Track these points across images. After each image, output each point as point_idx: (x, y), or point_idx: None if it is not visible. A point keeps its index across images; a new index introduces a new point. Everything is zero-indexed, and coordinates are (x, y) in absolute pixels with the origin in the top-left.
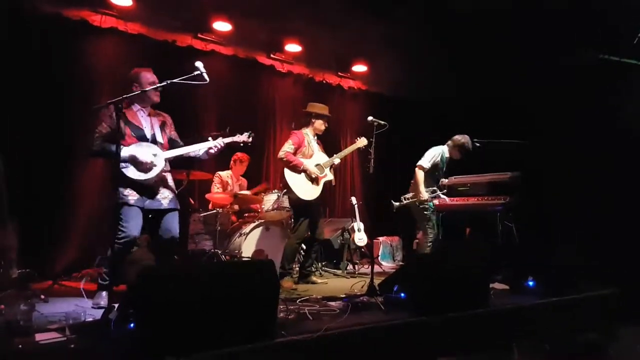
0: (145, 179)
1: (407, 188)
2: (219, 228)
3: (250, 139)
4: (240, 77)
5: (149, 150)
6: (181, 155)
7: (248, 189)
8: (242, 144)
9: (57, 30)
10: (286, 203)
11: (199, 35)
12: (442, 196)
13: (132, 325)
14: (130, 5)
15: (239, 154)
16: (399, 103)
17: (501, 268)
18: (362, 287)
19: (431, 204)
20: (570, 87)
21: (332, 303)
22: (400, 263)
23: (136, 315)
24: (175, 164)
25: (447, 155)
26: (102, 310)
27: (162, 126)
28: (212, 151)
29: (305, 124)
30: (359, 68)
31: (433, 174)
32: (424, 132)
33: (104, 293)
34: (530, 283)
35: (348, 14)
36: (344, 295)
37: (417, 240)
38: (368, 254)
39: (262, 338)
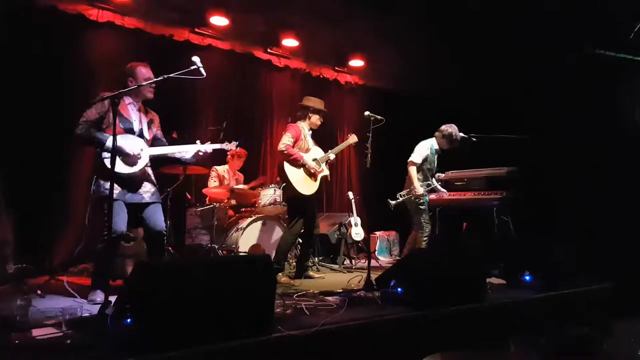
0: (128, 173)
1: (403, 184)
2: (215, 223)
3: (237, 149)
4: (237, 72)
5: (135, 143)
6: (165, 155)
7: (245, 183)
8: (228, 151)
9: (53, 23)
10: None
11: (196, 30)
12: (440, 188)
13: (128, 320)
14: None
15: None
16: (395, 98)
17: (498, 263)
18: (359, 282)
19: (426, 198)
20: (568, 83)
21: (329, 298)
22: (397, 258)
23: (132, 309)
24: (167, 160)
25: (436, 147)
26: (98, 306)
27: (150, 123)
28: (200, 154)
29: (301, 117)
30: (356, 63)
31: (425, 168)
32: (421, 127)
33: (98, 290)
34: (527, 278)
35: (345, 8)
36: (340, 290)
37: (414, 233)
38: (365, 249)
39: (259, 333)
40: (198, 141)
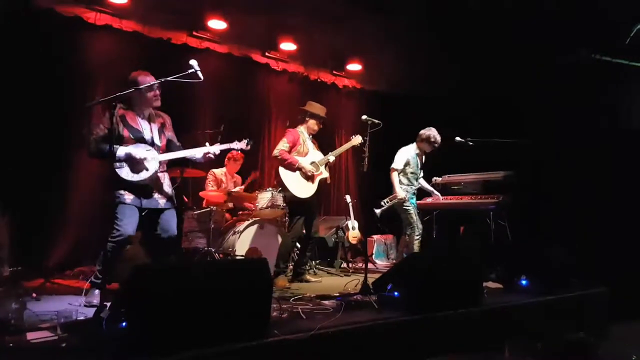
0: (137, 180)
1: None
2: (212, 226)
3: (249, 147)
4: (235, 75)
5: (145, 152)
6: (176, 158)
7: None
8: (239, 150)
9: (50, 26)
10: (280, 201)
11: (194, 33)
12: (433, 190)
13: (124, 324)
14: (125, 2)
15: (234, 152)
16: (393, 101)
17: (494, 267)
18: (355, 286)
19: (413, 201)
20: (565, 86)
21: (326, 302)
22: (394, 261)
23: (128, 312)
24: (170, 162)
25: (416, 151)
26: (94, 309)
27: (162, 128)
28: (209, 156)
29: (300, 121)
30: (354, 67)
31: (409, 172)
32: (419, 131)
33: (97, 291)
34: (524, 282)
35: (343, 11)
36: (337, 294)
37: (404, 238)
38: (362, 251)
39: (255, 337)
40: (207, 143)
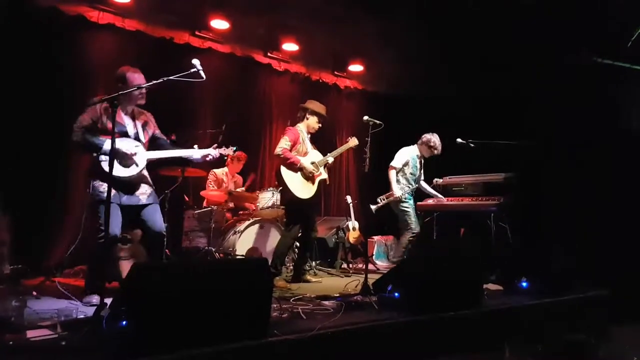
0: (125, 176)
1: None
2: (213, 225)
3: (235, 154)
4: (237, 75)
5: (132, 146)
6: (166, 158)
7: (243, 186)
8: (225, 157)
9: (52, 24)
10: None
11: (197, 33)
12: (438, 195)
13: (124, 322)
14: (128, 1)
15: (237, 152)
16: (394, 102)
17: (495, 268)
18: (356, 287)
19: (410, 200)
20: (565, 89)
21: (326, 302)
22: (395, 262)
23: (128, 311)
24: (173, 160)
25: (417, 153)
26: (94, 308)
27: (145, 125)
28: (208, 158)
29: (299, 119)
30: (355, 67)
31: (408, 173)
32: (420, 131)
33: (95, 295)
34: (524, 284)
35: (345, 12)
36: (337, 295)
37: (402, 238)
38: (362, 252)
39: (255, 336)
40: (196, 145)
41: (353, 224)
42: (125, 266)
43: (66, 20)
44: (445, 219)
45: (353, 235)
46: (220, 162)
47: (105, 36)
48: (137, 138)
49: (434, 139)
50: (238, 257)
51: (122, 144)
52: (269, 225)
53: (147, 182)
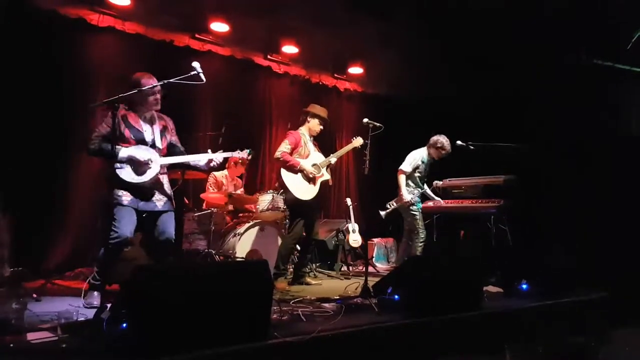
0: (138, 182)
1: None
2: (213, 228)
3: (250, 157)
4: (237, 78)
5: (147, 154)
6: (178, 163)
7: (243, 188)
8: (240, 160)
9: (53, 27)
10: (281, 203)
11: (197, 36)
12: (433, 196)
13: (124, 325)
14: (128, 4)
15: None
16: (394, 105)
17: (495, 271)
18: (356, 289)
19: (419, 205)
20: (565, 89)
21: (326, 304)
22: (394, 265)
23: (128, 313)
24: (180, 166)
25: (427, 157)
26: (94, 310)
27: (163, 131)
28: (212, 164)
29: (301, 122)
30: (355, 70)
31: (416, 176)
32: (420, 134)
33: (96, 292)
34: (524, 286)
35: (345, 15)
36: (337, 297)
37: (404, 242)
38: (362, 255)
39: (255, 339)
40: (209, 150)
41: (353, 226)
42: (127, 268)
43: (66, 23)
44: (445, 222)
45: (353, 238)
46: (221, 164)
47: (106, 39)
48: (153, 144)
49: (442, 139)
50: (238, 259)
51: (137, 152)
52: (269, 227)
53: (163, 189)
